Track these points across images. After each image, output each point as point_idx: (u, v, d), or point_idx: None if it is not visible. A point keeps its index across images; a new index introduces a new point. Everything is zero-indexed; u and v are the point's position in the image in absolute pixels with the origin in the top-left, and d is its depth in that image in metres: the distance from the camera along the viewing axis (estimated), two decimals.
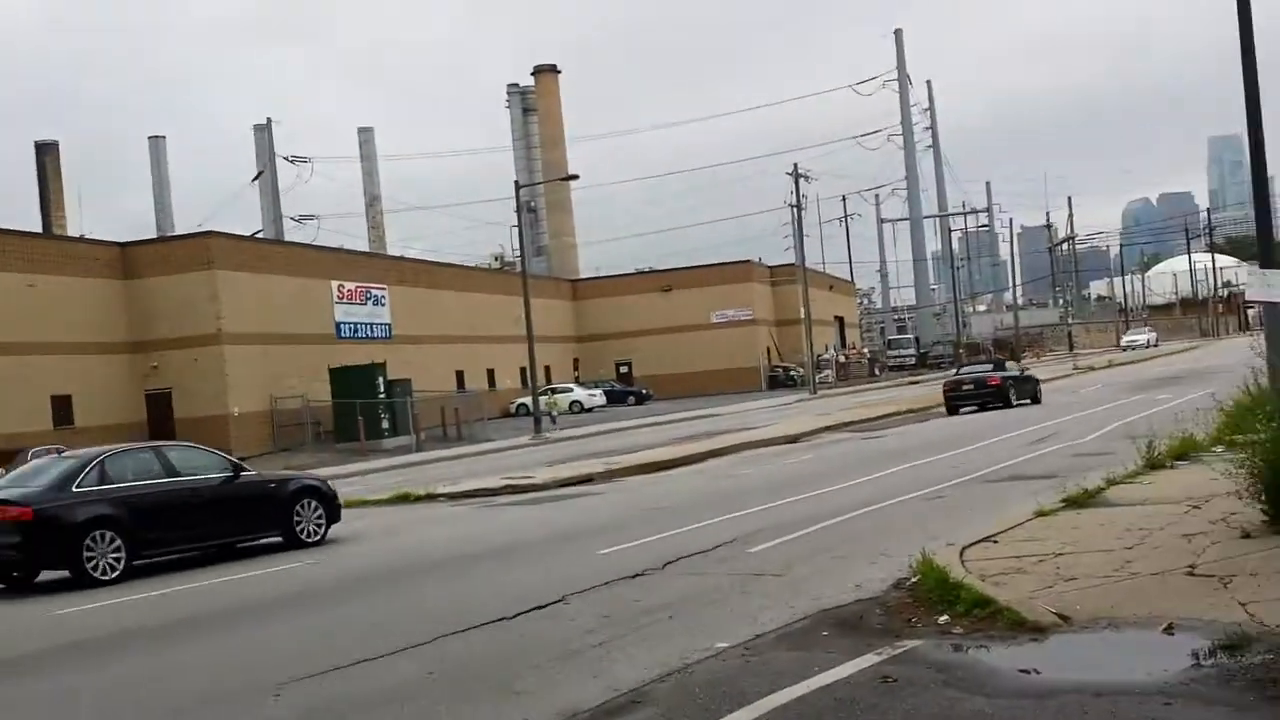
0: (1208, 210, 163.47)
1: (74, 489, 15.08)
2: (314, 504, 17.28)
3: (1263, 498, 9.96)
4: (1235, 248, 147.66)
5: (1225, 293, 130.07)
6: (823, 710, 6.62)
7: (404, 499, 23.02)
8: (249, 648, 10.19)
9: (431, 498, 22.94)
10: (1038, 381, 39.40)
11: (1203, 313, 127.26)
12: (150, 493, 15.61)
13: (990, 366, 40.48)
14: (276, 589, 13.47)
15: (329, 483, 18.48)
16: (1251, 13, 20.47)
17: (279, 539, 16.90)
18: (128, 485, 15.52)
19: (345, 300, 54.74)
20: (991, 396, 35.98)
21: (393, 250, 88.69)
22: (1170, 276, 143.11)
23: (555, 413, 53.37)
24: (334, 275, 54.73)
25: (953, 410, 36.05)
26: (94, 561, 14.72)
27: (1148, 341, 73.07)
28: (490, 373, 66.79)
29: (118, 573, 14.83)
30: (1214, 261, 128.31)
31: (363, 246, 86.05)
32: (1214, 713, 5.96)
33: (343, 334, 54.11)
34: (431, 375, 57.55)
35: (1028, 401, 36.71)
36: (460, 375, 62.76)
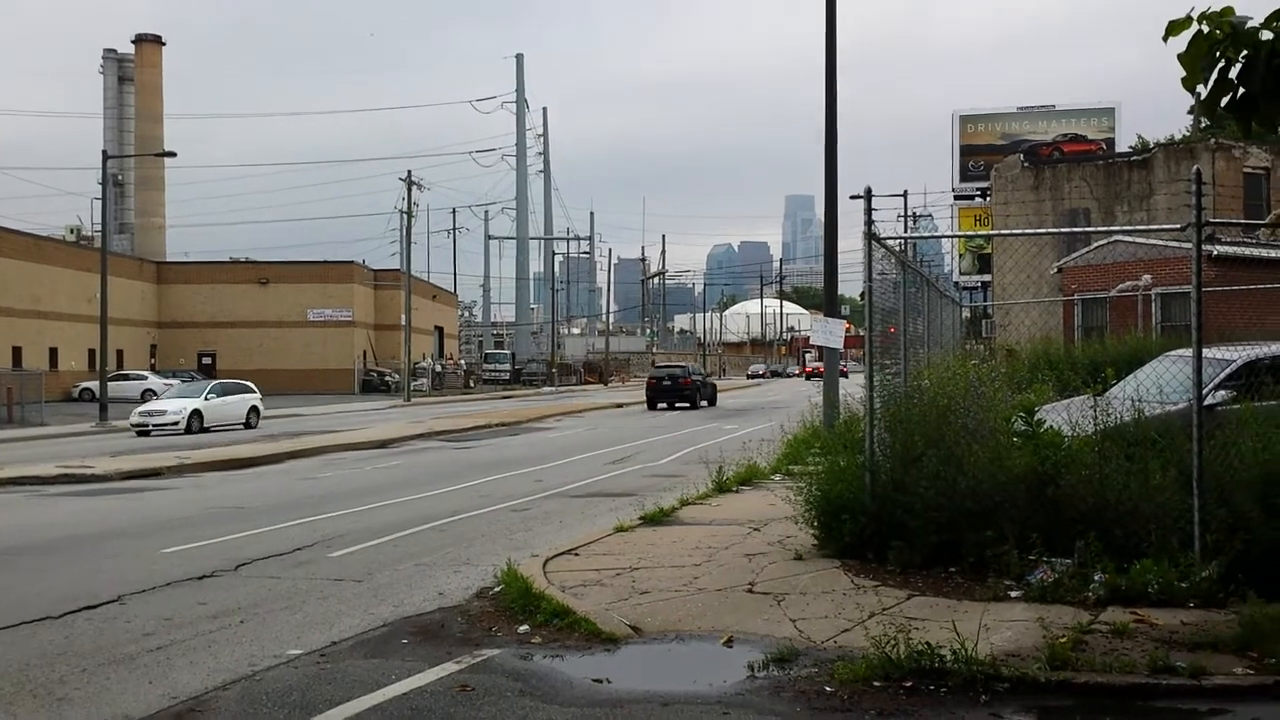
0: (780, 261, 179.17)
1: None
2: None
3: (814, 524, 10.91)
4: (800, 296, 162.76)
5: (789, 336, 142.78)
6: None
7: None
8: None
9: None
10: (714, 386, 51.45)
11: (768, 353, 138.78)
12: None
13: (683, 369, 50.34)
14: None
15: None
16: (836, 91, 22.79)
17: None
18: None
19: None
20: (684, 396, 45.56)
21: None
22: (744, 317, 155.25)
23: None
24: None
25: (652, 405, 45.65)
26: None
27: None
28: (53, 352, 60.92)
29: None
30: (782, 307, 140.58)
31: None
32: None
33: None
34: None
35: (704, 404, 46.81)
36: (17, 352, 56.95)
